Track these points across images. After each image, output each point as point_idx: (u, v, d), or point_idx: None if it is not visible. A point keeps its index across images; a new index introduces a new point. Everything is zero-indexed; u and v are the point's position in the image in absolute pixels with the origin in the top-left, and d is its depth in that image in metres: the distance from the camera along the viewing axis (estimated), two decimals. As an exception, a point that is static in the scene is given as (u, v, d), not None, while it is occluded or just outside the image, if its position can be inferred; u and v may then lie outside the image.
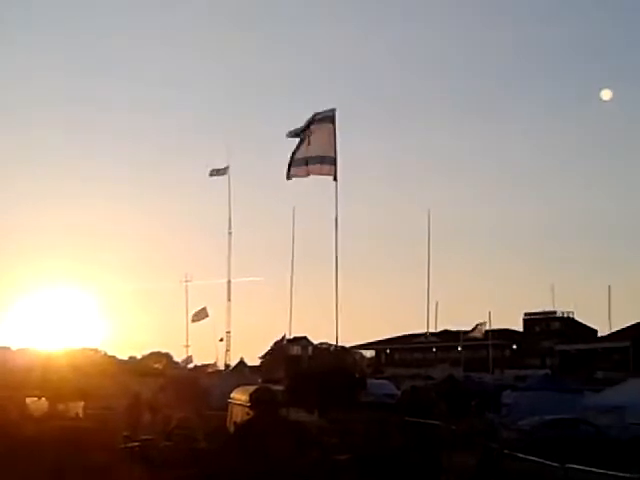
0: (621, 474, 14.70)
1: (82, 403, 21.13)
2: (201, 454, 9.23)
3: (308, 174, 29.40)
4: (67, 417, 19.33)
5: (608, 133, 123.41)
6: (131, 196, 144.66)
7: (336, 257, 28.12)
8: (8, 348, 36.18)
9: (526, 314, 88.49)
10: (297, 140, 29.23)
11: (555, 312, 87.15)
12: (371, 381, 28.37)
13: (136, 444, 10.53)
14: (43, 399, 20.70)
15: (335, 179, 28.56)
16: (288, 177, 29.99)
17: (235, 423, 11.85)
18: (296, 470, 8.41)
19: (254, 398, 10.03)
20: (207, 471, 8.58)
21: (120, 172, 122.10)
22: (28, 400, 20.34)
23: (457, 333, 77.13)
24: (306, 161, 29.29)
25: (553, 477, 16.23)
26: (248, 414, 10.43)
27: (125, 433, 13.04)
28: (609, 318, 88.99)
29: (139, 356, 44.58)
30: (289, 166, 29.85)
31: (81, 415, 20.52)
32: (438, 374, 48.61)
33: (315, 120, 29.63)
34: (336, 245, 29.58)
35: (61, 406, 20.52)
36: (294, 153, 29.50)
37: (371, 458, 11.19)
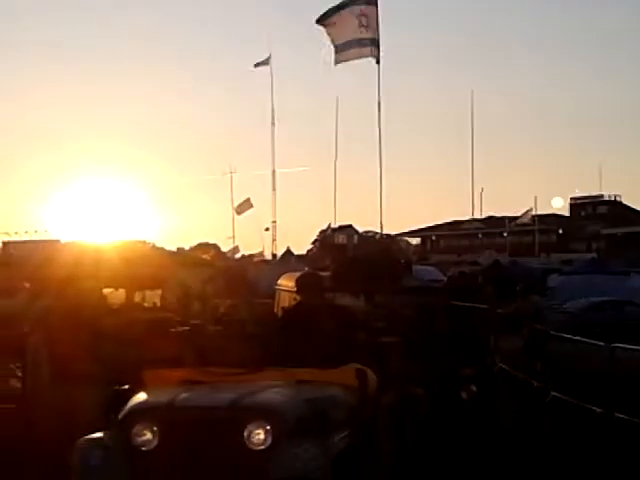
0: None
1: (160, 292, 21.03)
2: (249, 337, 9.23)
3: (353, 58, 29.33)
4: (146, 308, 19.42)
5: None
6: (175, 89, 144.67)
7: (380, 143, 27.91)
8: (58, 241, 36.00)
9: (572, 198, 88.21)
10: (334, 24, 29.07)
11: (602, 196, 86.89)
12: (417, 267, 28.39)
13: (186, 328, 10.57)
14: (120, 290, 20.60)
15: (378, 62, 28.19)
16: (336, 62, 29.62)
17: (282, 308, 11.88)
18: (343, 352, 8.40)
19: (300, 283, 10.00)
20: (254, 354, 8.55)
21: (164, 64, 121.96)
22: (105, 291, 20.29)
23: (503, 219, 77.07)
24: (350, 44, 29.23)
25: (600, 357, 16.23)
26: (295, 299, 10.43)
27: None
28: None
29: (187, 247, 44.67)
30: (335, 52, 29.63)
31: (159, 305, 20.57)
32: (484, 260, 48.64)
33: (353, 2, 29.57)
34: (379, 131, 29.03)
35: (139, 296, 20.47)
36: (334, 39, 29.49)
37: (418, 341, 11.27)
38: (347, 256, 22.46)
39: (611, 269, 44.22)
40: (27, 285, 16.94)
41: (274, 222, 39.39)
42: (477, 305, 19.64)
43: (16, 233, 49.66)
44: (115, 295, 18.80)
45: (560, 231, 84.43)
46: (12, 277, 18.75)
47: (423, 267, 34.00)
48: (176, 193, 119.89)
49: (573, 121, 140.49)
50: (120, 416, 7.41)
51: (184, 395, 7.59)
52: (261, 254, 47.56)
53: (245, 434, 7.00)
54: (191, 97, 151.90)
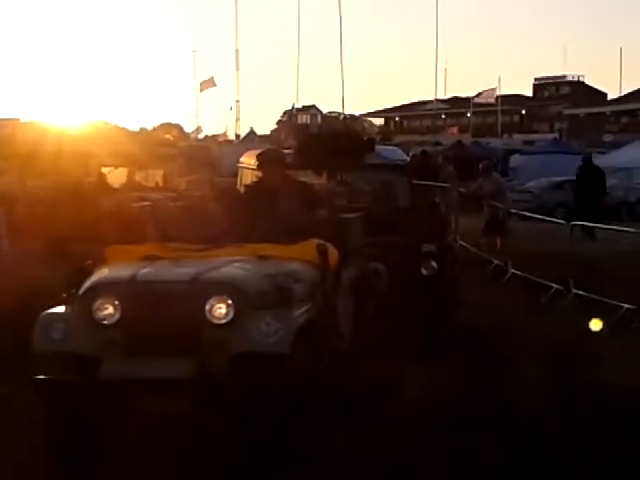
0: (620, 228, 14.84)
1: (162, 172, 20.81)
2: (210, 213, 9.22)
3: None
4: (148, 187, 19.28)
5: None
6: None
7: (340, 18, 26.95)
8: (17, 119, 35.60)
9: (536, 79, 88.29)
10: None
11: (565, 76, 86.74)
12: (380, 147, 28.39)
13: (147, 203, 10.51)
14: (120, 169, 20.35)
15: None
16: None
17: (245, 185, 11.83)
18: (304, 228, 8.42)
19: (261, 159, 9.92)
20: (215, 230, 8.58)
21: None
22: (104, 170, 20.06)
23: (466, 99, 76.97)
24: None
25: (560, 235, 16.42)
26: (257, 176, 10.39)
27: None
28: (620, 81, 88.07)
29: (149, 128, 44.25)
30: None
31: (161, 184, 20.40)
32: (446, 140, 48.76)
33: None
34: (340, 9, 28.39)
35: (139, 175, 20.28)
36: None
37: (378, 216, 11.30)
38: (310, 133, 22.21)
39: (572, 149, 44.65)
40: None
41: (237, 101, 38.99)
42: (438, 184, 19.78)
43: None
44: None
45: (523, 111, 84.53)
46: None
47: (386, 147, 33.91)
48: (139, 72, 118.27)
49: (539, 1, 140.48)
50: (82, 290, 7.38)
51: (146, 270, 7.56)
52: (224, 135, 47.37)
53: (207, 308, 7.00)
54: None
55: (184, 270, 7.52)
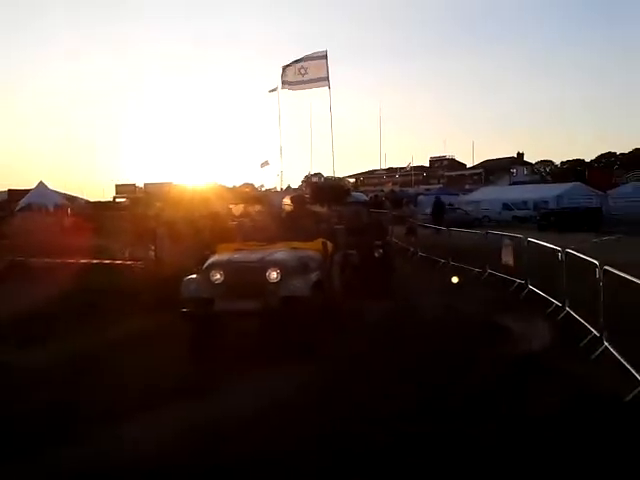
0: (473, 231, 14.70)
1: (258, 206, 20.32)
2: (268, 227, 9.31)
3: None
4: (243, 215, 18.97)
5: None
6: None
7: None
8: (170, 183, 35.07)
9: (431, 158, 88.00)
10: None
11: (445, 156, 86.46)
12: (353, 193, 28.15)
13: (236, 222, 10.48)
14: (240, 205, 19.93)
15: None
16: None
17: (285, 213, 11.76)
18: (315, 234, 8.53)
19: (293, 199, 10.17)
20: (271, 235, 8.64)
21: None
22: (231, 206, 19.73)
23: (397, 169, 77.41)
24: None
25: (443, 235, 16.25)
26: (290, 208, 10.38)
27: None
28: (473, 156, 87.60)
29: (237, 184, 43.49)
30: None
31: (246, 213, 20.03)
32: (386, 189, 48.71)
33: None
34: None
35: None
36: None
37: (353, 227, 11.29)
38: (318, 185, 22.10)
39: (450, 192, 44.68)
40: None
41: (282, 172, 38.88)
42: (382, 210, 19.66)
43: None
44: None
45: (424, 174, 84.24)
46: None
47: (356, 193, 33.83)
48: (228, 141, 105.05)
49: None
50: (204, 266, 7.52)
51: (235, 256, 7.75)
52: (275, 188, 47.13)
53: (267, 274, 7.16)
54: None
55: (255, 255, 7.63)
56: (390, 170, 79.29)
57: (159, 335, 8.01)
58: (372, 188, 59.01)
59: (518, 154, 75.80)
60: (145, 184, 39.48)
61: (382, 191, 42.55)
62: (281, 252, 7.80)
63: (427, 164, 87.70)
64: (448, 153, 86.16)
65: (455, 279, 12.40)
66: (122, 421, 5.17)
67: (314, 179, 29.54)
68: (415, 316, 9.33)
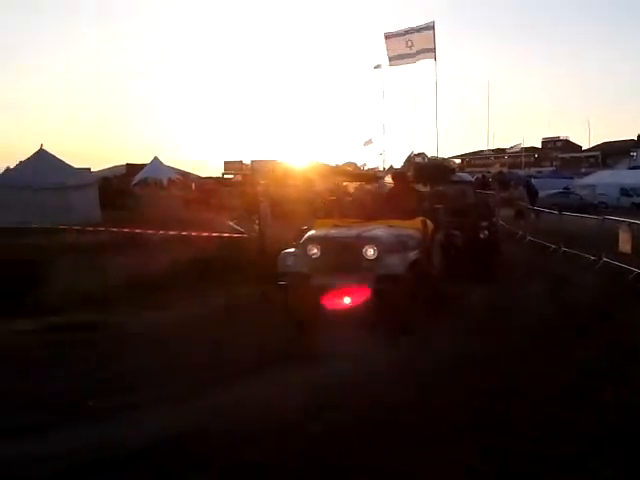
0: (588, 216, 13.96)
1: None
2: (367, 204, 9.14)
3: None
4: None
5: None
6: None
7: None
8: (275, 160, 35.62)
9: (543, 138, 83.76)
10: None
11: (559, 137, 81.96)
12: (458, 173, 27.44)
13: (333, 198, 10.46)
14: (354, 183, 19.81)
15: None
16: None
17: (385, 190, 11.59)
18: (415, 212, 8.41)
19: (394, 175, 9.99)
20: (369, 212, 8.54)
21: None
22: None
23: (505, 149, 74.38)
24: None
25: (555, 220, 15.50)
26: (392, 185, 10.20)
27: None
28: (589, 138, 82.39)
29: (340, 163, 43.35)
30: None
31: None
32: (493, 170, 47.00)
33: None
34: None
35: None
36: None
37: (457, 207, 11.04)
38: (422, 165, 21.72)
39: (563, 175, 42.40)
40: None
41: (384, 151, 38.26)
42: (488, 191, 18.99)
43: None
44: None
45: (536, 155, 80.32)
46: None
47: (461, 173, 32.90)
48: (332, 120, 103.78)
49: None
50: (301, 240, 7.56)
51: (332, 231, 7.74)
52: (377, 168, 46.67)
53: (363, 251, 7.06)
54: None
55: (352, 232, 7.54)
56: (498, 150, 76.32)
57: (262, 303, 8.28)
58: (478, 169, 57.17)
59: (639, 136, 70.38)
60: (252, 161, 40.52)
61: (489, 172, 41.07)
62: (379, 229, 7.70)
63: (539, 145, 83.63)
64: (562, 134, 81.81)
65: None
66: (234, 382, 5.39)
67: (417, 159, 28.89)
68: (519, 302, 8.95)
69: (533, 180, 37.61)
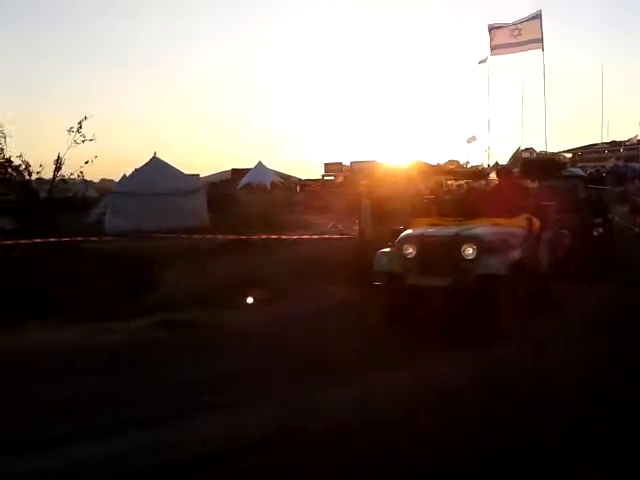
0: None
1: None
2: (470, 201, 9.03)
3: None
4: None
5: None
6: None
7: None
8: (374, 161, 35.56)
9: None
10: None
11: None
12: (570, 168, 26.19)
13: (432, 197, 10.31)
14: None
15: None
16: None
17: (489, 186, 11.30)
18: (520, 209, 8.19)
19: (499, 171, 9.82)
20: (471, 209, 8.47)
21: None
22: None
23: (620, 142, 69.76)
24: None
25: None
26: (497, 182, 9.95)
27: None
28: None
29: (441, 162, 42.53)
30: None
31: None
32: (608, 164, 44.37)
33: None
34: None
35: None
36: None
37: (568, 203, 10.50)
38: (530, 160, 21.00)
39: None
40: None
41: (489, 148, 37.08)
42: (602, 187, 17.96)
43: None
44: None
45: (656, 147, 74.73)
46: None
47: (573, 168, 31.35)
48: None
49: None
50: (397, 240, 7.48)
51: (429, 230, 7.58)
52: (482, 165, 45.39)
53: (462, 250, 6.91)
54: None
55: (450, 231, 7.37)
56: (613, 143, 71.61)
57: (360, 304, 8.25)
58: (592, 164, 53.98)
59: None
60: (351, 162, 40.75)
61: (603, 167, 38.76)
62: (479, 227, 7.42)
63: (659, 136, 77.61)
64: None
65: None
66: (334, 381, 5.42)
67: (525, 154, 27.84)
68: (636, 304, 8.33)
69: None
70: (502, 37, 20.69)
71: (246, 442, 4.15)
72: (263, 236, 14.28)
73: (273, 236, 14.20)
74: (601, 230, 10.75)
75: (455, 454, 3.77)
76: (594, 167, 41.49)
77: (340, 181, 35.19)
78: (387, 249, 7.52)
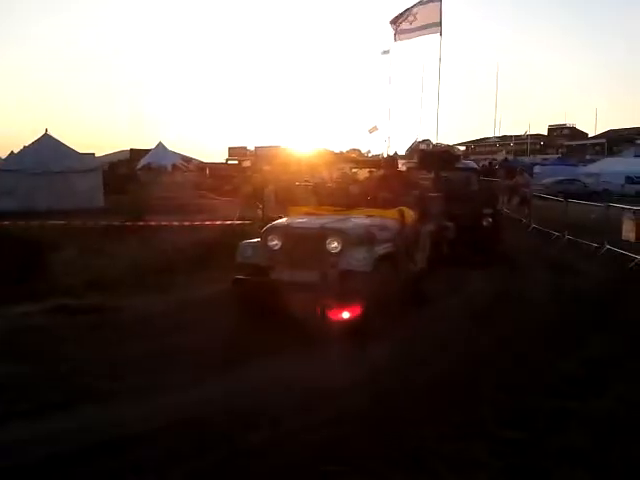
0: (592, 203, 13.94)
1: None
2: (348, 191, 8.64)
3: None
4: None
5: None
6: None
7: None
8: (278, 146, 35.37)
9: (549, 126, 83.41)
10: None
11: (565, 124, 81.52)
12: (463, 161, 27.44)
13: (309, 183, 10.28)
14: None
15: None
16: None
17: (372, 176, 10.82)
18: (399, 201, 7.80)
19: (383, 161, 10.04)
20: (350, 200, 8.04)
21: None
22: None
23: (511, 136, 74.04)
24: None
25: (560, 208, 15.51)
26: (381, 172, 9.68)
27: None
28: (595, 125, 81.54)
29: (344, 150, 42.89)
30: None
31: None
32: (499, 157, 46.84)
33: None
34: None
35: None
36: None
37: (461, 194, 11.02)
38: (427, 151, 21.66)
39: (568, 162, 42.34)
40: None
41: (389, 137, 37.96)
42: (493, 179, 18.97)
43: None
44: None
45: (542, 143, 79.93)
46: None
47: (466, 160, 32.84)
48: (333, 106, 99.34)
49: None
50: (262, 231, 6.90)
51: (296, 221, 7.04)
52: (382, 154, 46.39)
53: (327, 243, 6.35)
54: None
55: (317, 222, 6.81)
56: (504, 138, 75.97)
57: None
58: (483, 156, 56.91)
59: (645, 124, 70.20)
60: (255, 147, 40.45)
61: (494, 159, 40.93)
62: (347, 219, 6.98)
63: (545, 132, 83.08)
64: (569, 121, 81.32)
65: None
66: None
67: (422, 145, 28.77)
68: (514, 293, 8.74)
69: (539, 167, 37.69)
70: (403, 23, 20.10)
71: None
72: (163, 223, 13.90)
73: (174, 223, 13.86)
74: (490, 220, 11.29)
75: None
76: (486, 159, 43.90)
77: (247, 165, 34.82)
78: (254, 239, 6.91)
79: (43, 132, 21.77)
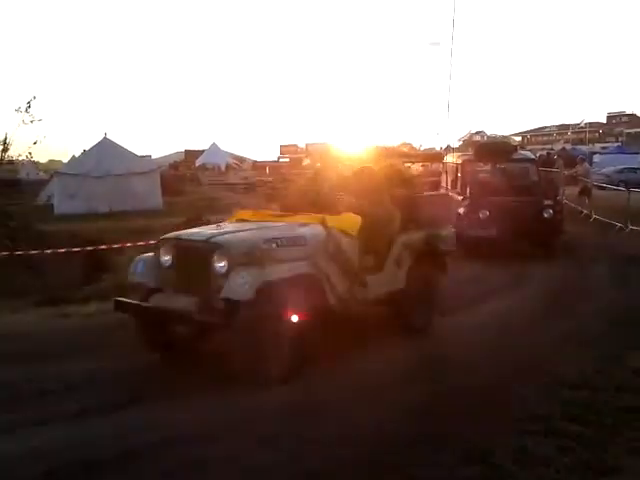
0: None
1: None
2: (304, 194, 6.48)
3: None
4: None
5: None
6: None
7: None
8: (325, 143, 35.23)
9: (609, 113, 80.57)
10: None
11: (624, 112, 78.93)
12: (520, 151, 26.89)
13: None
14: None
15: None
16: None
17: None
18: (338, 208, 5.98)
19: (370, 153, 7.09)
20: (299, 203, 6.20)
21: None
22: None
23: (568, 125, 72.01)
24: None
25: (622, 197, 15.04)
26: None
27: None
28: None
29: (395, 144, 42.43)
30: None
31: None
32: (556, 147, 45.65)
33: None
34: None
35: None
36: None
37: (520, 186, 10.80)
38: (482, 143, 21.29)
39: (629, 151, 41.15)
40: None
41: (438, 133, 37.56)
42: (552, 169, 18.45)
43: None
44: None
45: (600, 131, 77.15)
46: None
47: (522, 151, 32.16)
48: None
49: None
50: (155, 242, 5.44)
51: (188, 231, 5.51)
52: (434, 149, 45.91)
53: (213, 260, 4.69)
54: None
55: (210, 232, 5.14)
56: (562, 127, 73.71)
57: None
58: (541, 146, 55.45)
59: None
60: (306, 144, 40.67)
61: (552, 149, 39.84)
62: (251, 230, 5.22)
63: (604, 120, 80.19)
64: (628, 108, 78.28)
65: None
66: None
67: (476, 137, 28.29)
68: (594, 279, 8.51)
69: (598, 156, 36.55)
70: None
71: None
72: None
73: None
74: (551, 212, 11.01)
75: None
76: (543, 149, 42.70)
77: (306, 163, 34.86)
78: (148, 254, 5.44)
79: (102, 136, 22.43)
